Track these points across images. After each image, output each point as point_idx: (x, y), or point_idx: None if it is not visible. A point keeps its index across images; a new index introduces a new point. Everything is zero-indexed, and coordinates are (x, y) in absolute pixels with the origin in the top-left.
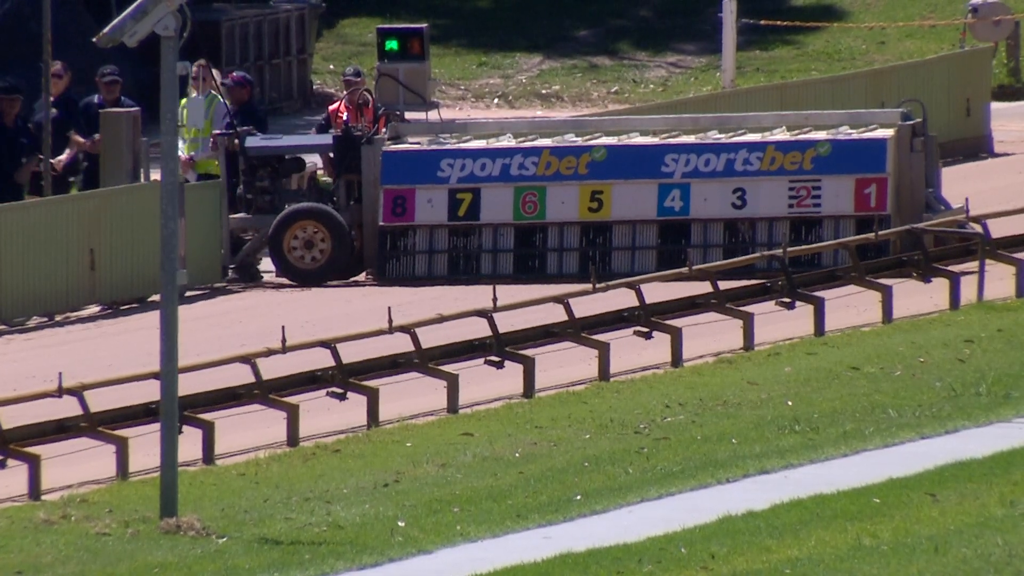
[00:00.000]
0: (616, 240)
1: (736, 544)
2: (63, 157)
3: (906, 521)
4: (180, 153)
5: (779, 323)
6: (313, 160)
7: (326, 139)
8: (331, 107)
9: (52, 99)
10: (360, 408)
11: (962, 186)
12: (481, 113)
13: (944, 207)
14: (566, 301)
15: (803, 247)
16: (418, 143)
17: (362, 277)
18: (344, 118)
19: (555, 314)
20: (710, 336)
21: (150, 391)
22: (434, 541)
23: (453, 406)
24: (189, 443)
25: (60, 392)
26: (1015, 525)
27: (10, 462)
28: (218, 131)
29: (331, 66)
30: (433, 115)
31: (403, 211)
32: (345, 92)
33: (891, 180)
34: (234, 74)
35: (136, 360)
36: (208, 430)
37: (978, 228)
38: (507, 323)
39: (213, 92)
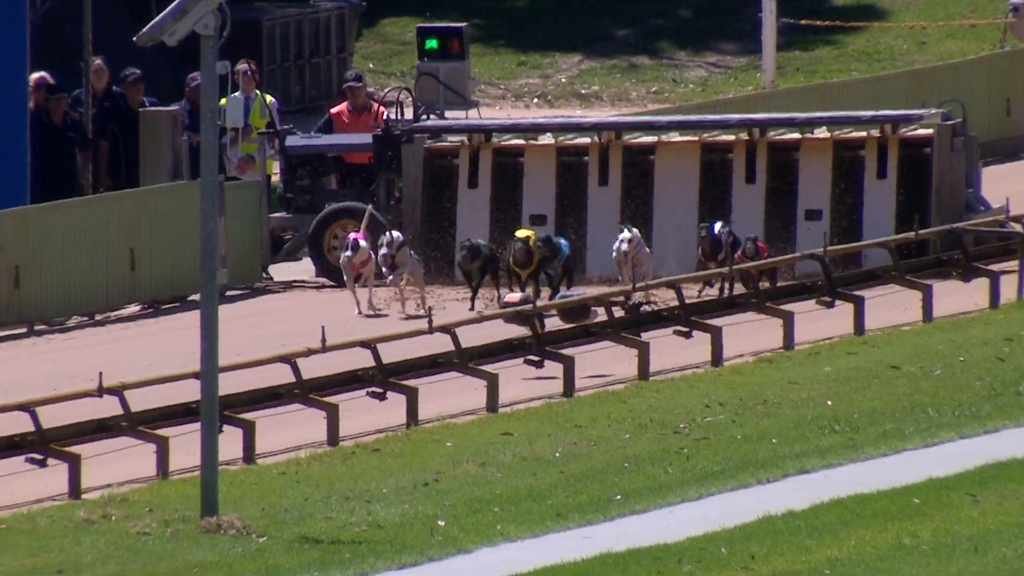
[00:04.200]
0: (656, 239)
1: (776, 544)
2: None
3: (946, 521)
4: (238, 153)
5: (819, 322)
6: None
7: (366, 138)
8: (333, 110)
9: (93, 95)
10: (400, 408)
11: (1002, 186)
12: (520, 113)
13: (984, 207)
14: (606, 301)
15: (843, 246)
16: (458, 142)
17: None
18: (346, 121)
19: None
20: (750, 335)
21: (190, 390)
22: (474, 540)
23: (493, 405)
24: (229, 442)
25: (100, 391)
26: None
27: (51, 461)
28: (260, 130)
29: (371, 65)
30: (473, 114)
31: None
32: (349, 96)
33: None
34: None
35: (176, 359)
36: (248, 429)
37: (1018, 228)
38: (547, 323)
39: (259, 91)
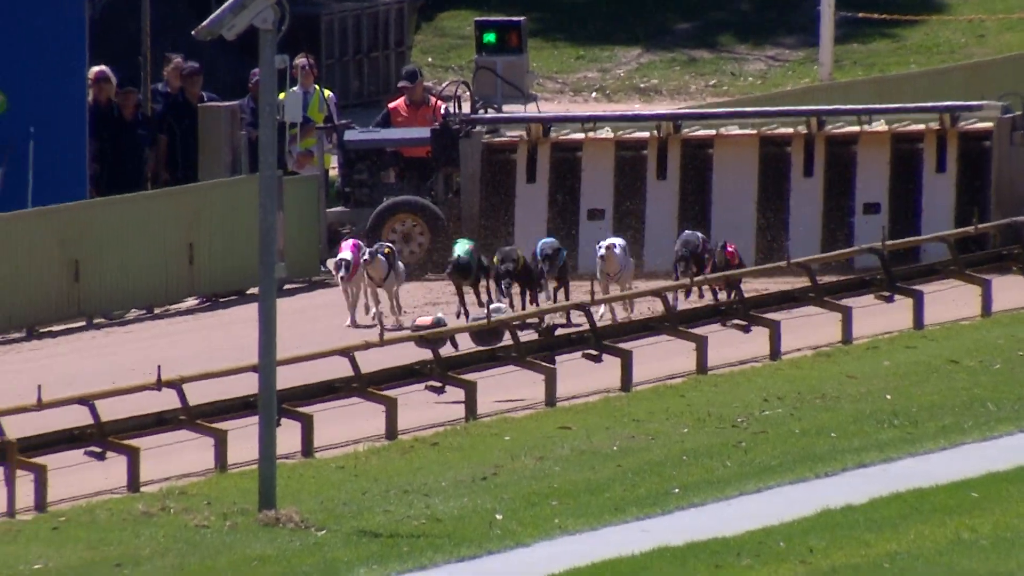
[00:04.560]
0: (714, 233)
1: (835, 538)
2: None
3: (1006, 515)
4: (297, 148)
5: (878, 316)
6: None
7: (424, 132)
8: (391, 104)
9: (175, 91)
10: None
11: None
12: (579, 107)
13: None
14: (664, 295)
15: (902, 240)
16: (517, 136)
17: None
18: (404, 115)
19: (653, 308)
20: (808, 329)
21: (249, 384)
22: (532, 534)
23: (551, 399)
24: (288, 436)
25: (159, 385)
26: None
27: (109, 454)
28: (318, 125)
29: (429, 59)
30: (531, 108)
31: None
32: (406, 92)
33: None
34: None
35: (234, 353)
36: (307, 423)
37: None
38: (605, 317)
39: (317, 86)
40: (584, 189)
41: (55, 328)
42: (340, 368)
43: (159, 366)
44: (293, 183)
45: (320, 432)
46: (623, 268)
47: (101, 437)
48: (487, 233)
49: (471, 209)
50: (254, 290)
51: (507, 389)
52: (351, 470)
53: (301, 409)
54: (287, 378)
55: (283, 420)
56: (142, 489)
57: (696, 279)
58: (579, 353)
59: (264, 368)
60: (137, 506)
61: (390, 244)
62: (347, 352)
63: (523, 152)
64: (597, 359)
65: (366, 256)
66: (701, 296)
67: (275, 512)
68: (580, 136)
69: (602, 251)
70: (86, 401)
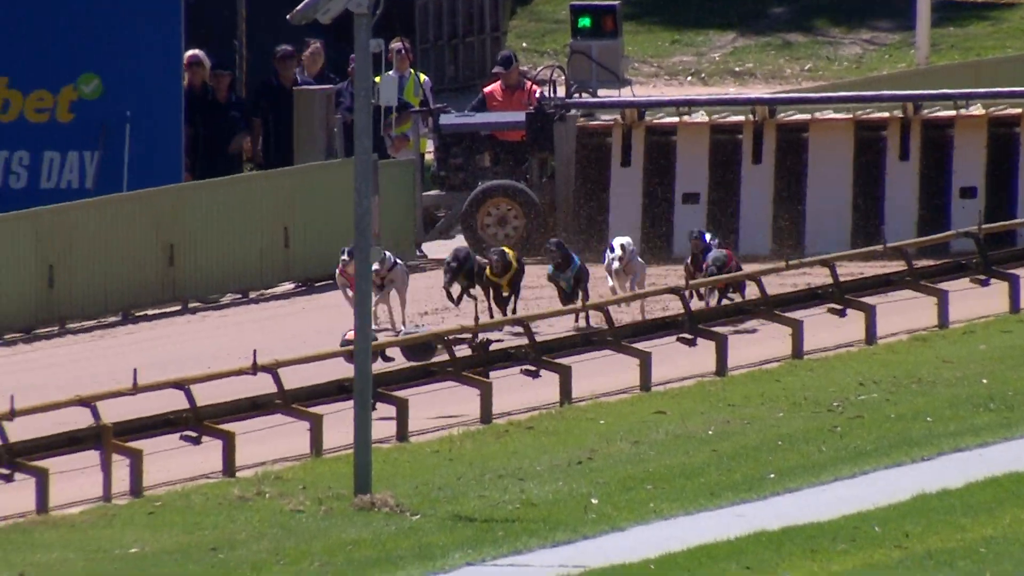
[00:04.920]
0: (810, 217)
1: (930, 523)
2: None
3: None
4: (393, 132)
5: (973, 300)
6: None
7: (519, 116)
8: (486, 89)
9: (312, 76)
10: (553, 385)
11: None
12: (674, 91)
13: None
14: (758, 278)
15: (998, 224)
16: (612, 120)
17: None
18: (499, 99)
19: (749, 291)
20: (904, 313)
21: (344, 368)
22: (627, 518)
23: (646, 384)
24: (383, 420)
25: (255, 369)
26: None
27: (205, 439)
28: (414, 109)
29: (524, 43)
30: (626, 92)
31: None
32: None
33: None
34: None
35: (329, 337)
36: (401, 407)
37: None
38: (700, 301)
39: (412, 70)
40: (679, 173)
41: (150, 312)
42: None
43: (254, 350)
44: (388, 167)
45: (415, 416)
46: (637, 265)
47: (196, 421)
48: (581, 217)
49: (565, 193)
50: None
51: (525, 388)
52: (446, 454)
53: (396, 393)
54: (376, 364)
55: (378, 404)
56: (237, 474)
57: (692, 282)
58: (673, 337)
59: (359, 352)
60: (233, 491)
61: (386, 252)
62: (442, 337)
63: (618, 136)
64: (692, 343)
65: (378, 266)
66: (702, 299)
67: (370, 497)
68: (675, 120)
69: (618, 250)
70: (181, 385)
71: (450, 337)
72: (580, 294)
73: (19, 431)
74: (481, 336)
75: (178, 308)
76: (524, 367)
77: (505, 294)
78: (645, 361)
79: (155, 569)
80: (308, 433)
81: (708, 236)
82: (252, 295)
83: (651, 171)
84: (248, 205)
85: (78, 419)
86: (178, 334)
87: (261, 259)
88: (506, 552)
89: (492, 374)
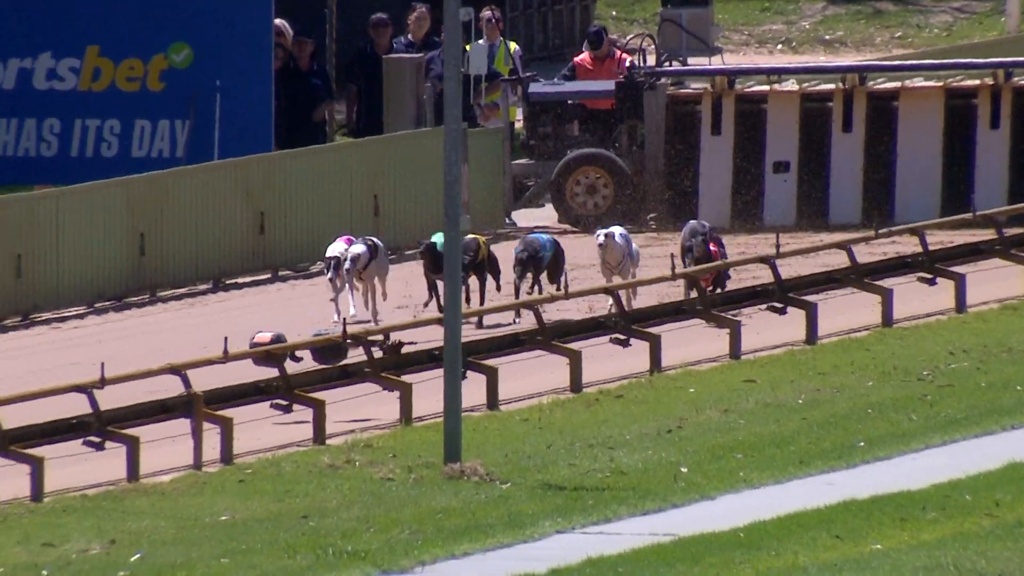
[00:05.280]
0: (899, 186)
1: (1021, 491)
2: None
3: None
4: (483, 101)
5: None
6: None
7: (608, 85)
8: (576, 58)
9: (418, 40)
10: (643, 354)
11: None
12: (764, 59)
13: None
14: (848, 247)
15: None
16: (702, 88)
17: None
18: (589, 68)
19: (837, 260)
20: (994, 282)
21: (434, 336)
22: (717, 487)
23: (735, 352)
24: (473, 388)
25: (344, 338)
26: None
27: (296, 407)
28: (503, 78)
29: (614, 12)
30: (716, 61)
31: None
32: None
33: None
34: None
35: (419, 306)
36: (491, 376)
37: None
38: (790, 270)
39: (502, 39)
40: (769, 141)
41: (241, 280)
42: (527, 321)
43: (344, 319)
44: (478, 136)
45: (505, 385)
46: (625, 257)
47: (287, 390)
48: (671, 186)
49: (655, 161)
50: None
51: (533, 372)
52: (535, 423)
53: (486, 362)
54: (472, 331)
55: (468, 373)
56: (328, 442)
57: (678, 272)
58: (764, 306)
59: (449, 321)
60: (323, 459)
61: (374, 238)
62: (532, 305)
63: (708, 104)
64: (782, 311)
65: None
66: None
67: (460, 465)
68: (765, 88)
69: (601, 239)
70: (272, 356)
71: (368, 338)
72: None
73: (110, 399)
74: (394, 337)
75: (268, 276)
76: (614, 336)
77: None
78: (735, 330)
79: (245, 537)
80: (398, 401)
81: (708, 225)
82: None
83: (741, 140)
84: (338, 174)
85: (169, 387)
86: (268, 302)
87: (351, 227)
88: (596, 520)
89: (581, 343)
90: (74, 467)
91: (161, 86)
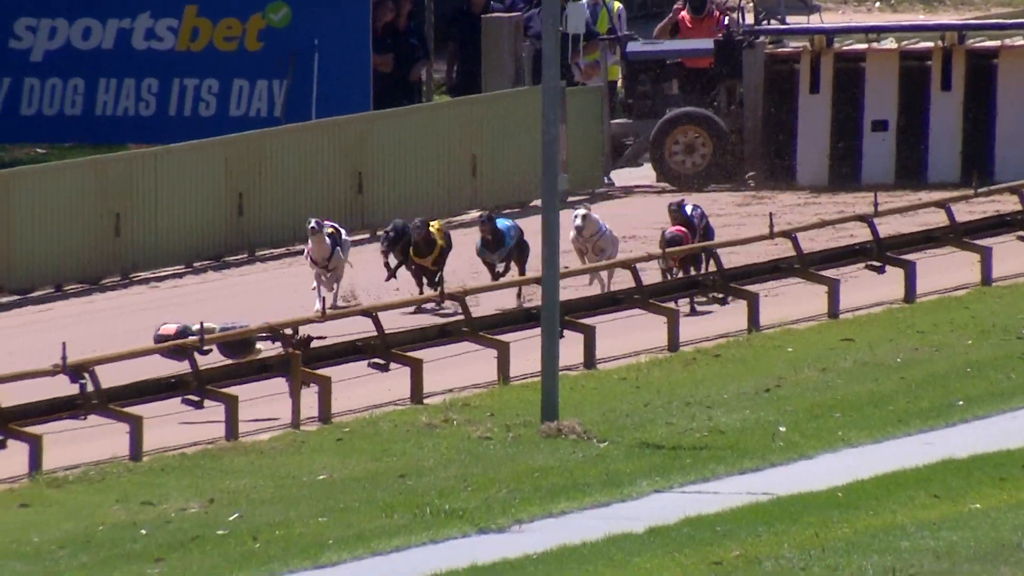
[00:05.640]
0: (999, 144)
1: None
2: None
3: None
4: (584, 60)
5: None
6: None
7: (707, 43)
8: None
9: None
10: (740, 313)
11: None
12: (862, 17)
13: None
14: (947, 206)
15: None
16: (800, 47)
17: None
18: (688, 27)
19: (936, 219)
20: None
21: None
22: (815, 446)
23: (833, 311)
24: (570, 347)
25: (442, 297)
26: None
27: (392, 366)
28: (602, 36)
29: None
30: (814, 19)
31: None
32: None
33: None
34: None
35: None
36: (589, 335)
37: None
38: (888, 229)
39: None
40: (867, 100)
41: None
42: (625, 280)
43: (442, 278)
44: (576, 95)
45: (602, 344)
46: (601, 234)
47: (384, 350)
48: (769, 145)
49: (753, 120)
50: (537, 202)
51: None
52: (633, 382)
53: (583, 321)
54: (569, 291)
55: (565, 331)
56: (425, 401)
57: (669, 249)
58: (861, 264)
59: (546, 281)
60: (420, 418)
61: (335, 224)
62: (629, 264)
63: (806, 63)
64: (880, 270)
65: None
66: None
67: (557, 424)
68: (863, 47)
69: (578, 221)
70: (369, 313)
71: (278, 331)
72: (516, 267)
73: (208, 358)
74: (302, 332)
75: (366, 236)
76: (711, 294)
77: (434, 270)
78: (833, 288)
79: (343, 496)
80: (495, 360)
81: (689, 208)
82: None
83: (839, 98)
84: (436, 133)
85: (266, 347)
86: (365, 262)
87: (448, 187)
88: (693, 479)
89: (677, 302)
90: (173, 426)
91: (259, 46)
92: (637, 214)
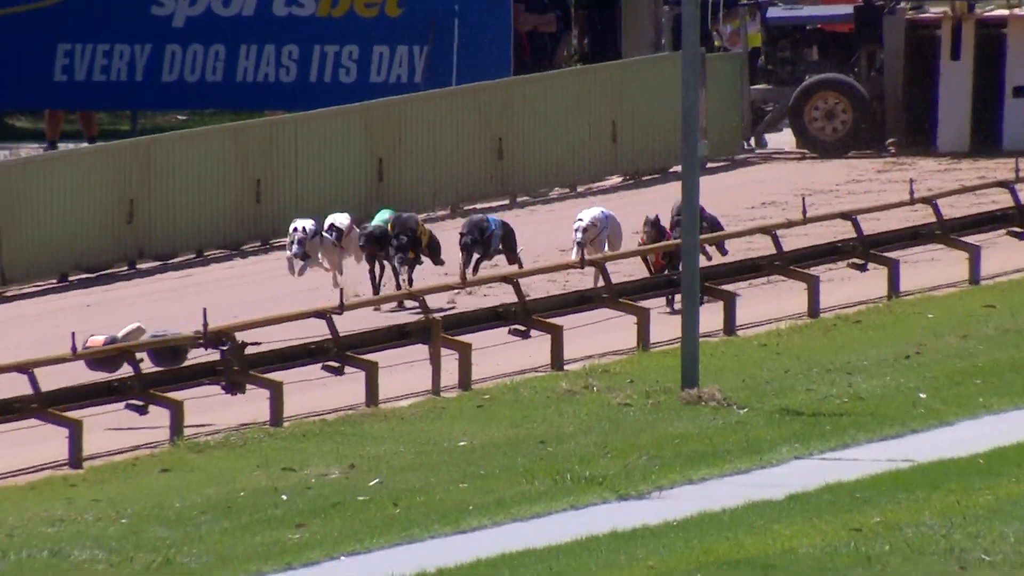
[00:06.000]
0: None
1: None
2: None
3: None
4: (727, 28)
5: None
6: None
7: (846, 9)
8: None
9: None
10: (880, 279)
11: None
12: None
13: None
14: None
15: None
16: (941, 12)
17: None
18: None
19: None
20: None
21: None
22: (956, 413)
23: (975, 277)
24: (710, 314)
25: (582, 263)
26: None
27: (533, 333)
28: (742, 3)
29: None
30: None
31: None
32: None
33: None
34: None
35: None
36: (729, 301)
37: None
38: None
39: None
40: (1009, 66)
41: (478, 206)
42: (764, 246)
43: (581, 245)
44: (716, 61)
45: (743, 310)
46: (602, 231)
47: (524, 316)
48: (909, 111)
49: (893, 86)
50: (676, 168)
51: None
52: (773, 348)
53: (723, 287)
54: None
55: (705, 299)
56: (565, 367)
57: (654, 245)
58: (1004, 231)
59: (686, 247)
60: (560, 384)
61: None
62: (769, 230)
63: (947, 29)
64: (1022, 236)
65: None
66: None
67: (697, 390)
68: (1005, 12)
69: (579, 236)
70: (510, 280)
71: (199, 341)
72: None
73: (350, 324)
74: (239, 338)
75: (506, 202)
76: (851, 261)
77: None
78: (974, 254)
79: (484, 462)
80: (634, 327)
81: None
82: (580, 189)
83: (980, 64)
84: (576, 100)
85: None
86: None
87: (589, 153)
88: (834, 446)
89: (816, 269)
90: (313, 392)
91: (399, 12)
92: (776, 180)
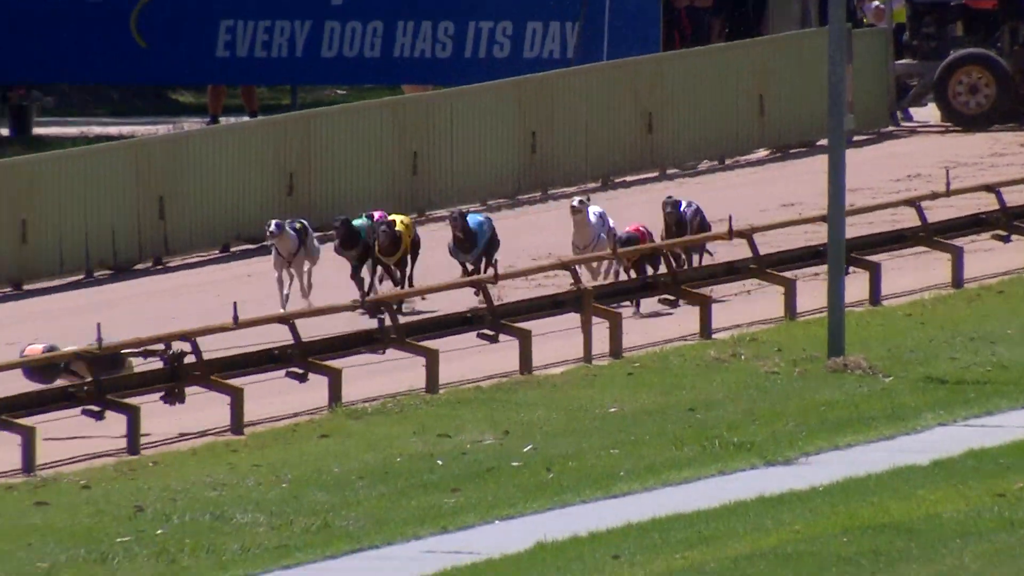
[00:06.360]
0: None
1: None
2: None
3: None
4: (873, 3)
5: None
6: None
7: None
8: None
9: None
10: (1023, 250)
11: None
12: None
13: None
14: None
15: None
16: None
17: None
18: None
19: None
20: None
21: (816, 233)
22: None
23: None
24: (855, 284)
25: (731, 235)
26: None
27: (680, 303)
28: None
29: None
30: None
31: None
32: None
33: None
34: None
35: (810, 201)
36: (874, 272)
37: None
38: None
39: None
40: None
41: (628, 179)
42: (909, 218)
43: (730, 216)
44: (862, 36)
45: (887, 281)
46: (596, 237)
47: (675, 286)
48: None
49: None
50: (823, 141)
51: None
52: (917, 318)
53: (868, 258)
54: (855, 229)
55: (851, 269)
56: (714, 336)
57: (623, 250)
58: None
59: (832, 218)
60: (709, 352)
61: (303, 220)
62: (914, 202)
63: None
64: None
65: (272, 229)
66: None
67: (843, 359)
68: None
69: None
70: (661, 250)
71: (143, 348)
72: (484, 264)
73: (505, 294)
74: (175, 347)
75: (655, 175)
76: (994, 232)
77: (394, 268)
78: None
79: (634, 428)
80: (782, 297)
81: (683, 204)
82: (728, 162)
83: None
84: (724, 74)
85: (559, 282)
86: (652, 201)
87: (736, 126)
88: (977, 413)
89: (960, 240)
90: (468, 360)
91: None
92: (920, 153)
